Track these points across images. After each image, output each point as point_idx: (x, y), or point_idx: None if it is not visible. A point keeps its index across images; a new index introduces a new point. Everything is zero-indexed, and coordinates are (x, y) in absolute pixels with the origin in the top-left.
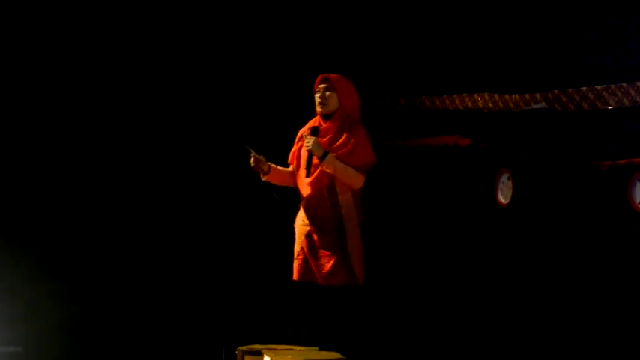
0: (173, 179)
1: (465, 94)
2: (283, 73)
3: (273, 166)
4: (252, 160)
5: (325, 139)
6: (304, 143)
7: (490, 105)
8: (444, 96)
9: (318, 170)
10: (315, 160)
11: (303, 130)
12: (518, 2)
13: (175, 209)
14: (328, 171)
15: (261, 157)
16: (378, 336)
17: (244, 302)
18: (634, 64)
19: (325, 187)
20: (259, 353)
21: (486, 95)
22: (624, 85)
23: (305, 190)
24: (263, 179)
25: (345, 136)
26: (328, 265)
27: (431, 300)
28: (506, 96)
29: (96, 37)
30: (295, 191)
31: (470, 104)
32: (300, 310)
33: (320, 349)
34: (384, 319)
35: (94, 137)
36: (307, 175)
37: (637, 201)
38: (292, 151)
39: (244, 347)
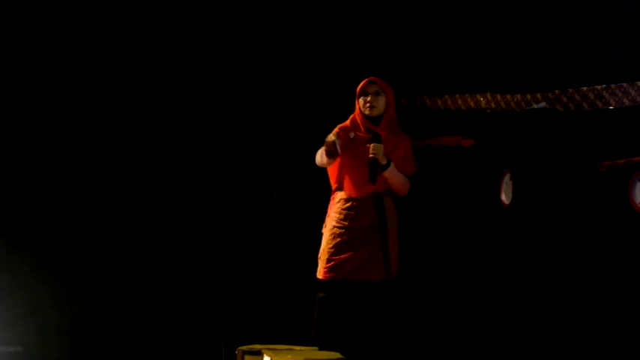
0: (173, 179)
1: (467, 95)
2: (284, 76)
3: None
4: (333, 136)
5: (385, 146)
6: (370, 148)
7: (492, 105)
8: (446, 96)
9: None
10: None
11: (343, 126)
12: (520, 2)
13: (175, 209)
14: (388, 177)
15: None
16: (379, 336)
17: (244, 302)
18: (634, 64)
19: (382, 191)
20: (259, 353)
21: (488, 95)
22: (624, 85)
23: (357, 190)
24: (333, 158)
25: (398, 144)
26: (371, 262)
27: (435, 300)
28: (508, 96)
29: (96, 38)
30: (296, 190)
31: (472, 104)
32: (325, 309)
33: (320, 349)
34: (384, 318)
35: (94, 137)
36: (374, 182)
37: (637, 201)
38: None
39: (244, 347)
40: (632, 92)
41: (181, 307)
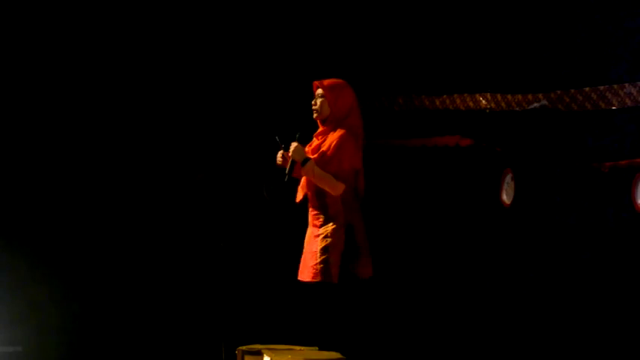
0: (173, 179)
1: (465, 94)
2: (281, 74)
3: None
4: (279, 156)
5: (315, 144)
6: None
7: (492, 105)
8: (444, 96)
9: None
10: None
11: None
12: (520, 2)
13: (175, 210)
14: (306, 176)
15: (288, 154)
16: (379, 336)
17: (244, 302)
18: (635, 63)
19: (313, 189)
20: (259, 353)
21: (489, 95)
22: (626, 85)
23: (301, 192)
24: (291, 175)
25: (328, 141)
26: (310, 263)
27: (434, 300)
28: (509, 96)
29: (96, 37)
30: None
31: (471, 104)
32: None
33: (320, 349)
34: (386, 318)
35: (94, 138)
36: (285, 180)
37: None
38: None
39: (244, 347)
40: (634, 92)
41: (181, 307)
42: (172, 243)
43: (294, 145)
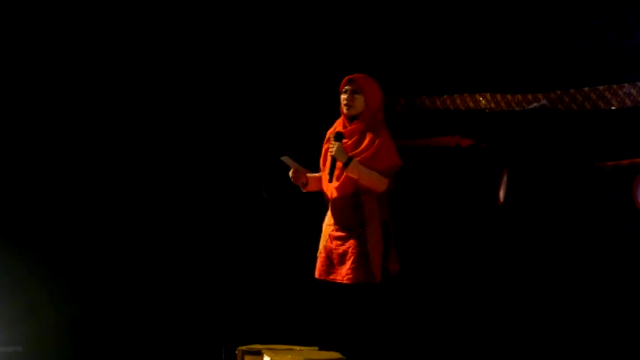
0: (173, 179)
1: (466, 94)
2: (281, 75)
3: (310, 175)
4: (291, 172)
5: (350, 142)
6: (329, 148)
7: (492, 105)
8: (445, 96)
9: (343, 175)
10: (338, 164)
11: (331, 131)
12: (520, 2)
13: (175, 209)
14: (352, 176)
15: (302, 169)
16: (379, 336)
17: (244, 302)
18: (635, 63)
19: (350, 190)
20: (259, 353)
21: (488, 95)
22: (626, 85)
23: (331, 192)
24: (303, 190)
25: (368, 138)
26: (348, 264)
27: (435, 300)
28: (509, 96)
29: (96, 38)
30: (288, 189)
31: (471, 104)
32: (318, 308)
33: (320, 349)
34: (386, 318)
35: (93, 137)
36: (330, 180)
37: None
38: (322, 153)
39: (244, 347)
40: (634, 92)
41: (181, 307)
42: (172, 243)
43: (335, 144)
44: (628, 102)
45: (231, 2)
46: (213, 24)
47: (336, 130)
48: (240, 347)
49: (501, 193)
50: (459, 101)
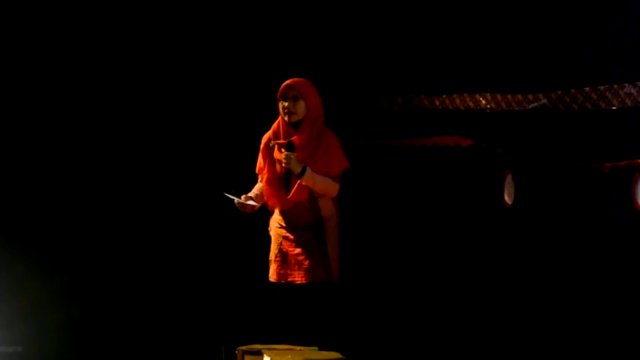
0: (173, 179)
1: (465, 94)
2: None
3: (252, 194)
4: (237, 204)
5: (302, 152)
6: (282, 159)
7: (492, 105)
8: (444, 96)
9: (297, 184)
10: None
11: (267, 136)
12: (520, 2)
13: (175, 209)
14: (307, 185)
15: (245, 197)
16: (380, 336)
17: (245, 302)
18: (635, 63)
19: (305, 197)
20: (259, 353)
21: (488, 95)
22: (626, 85)
23: (283, 201)
24: (252, 212)
25: (318, 145)
26: (306, 263)
27: (435, 300)
28: (509, 96)
29: (96, 37)
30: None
31: (471, 104)
32: (279, 311)
33: (320, 349)
34: (386, 319)
35: (93, 137)
36: (288, 192)
37: None
38: (259, 159)
39: (244, 347)
40: (634, 92)
41: (181, 307)
42: (172, 243)
43: (289, 155)
44: (628, 102)
45: (237, 5)
46: (216, 24)
47: (274, 136)
48: (240, 347)
49: (507, 196)
50: (458, 101)
